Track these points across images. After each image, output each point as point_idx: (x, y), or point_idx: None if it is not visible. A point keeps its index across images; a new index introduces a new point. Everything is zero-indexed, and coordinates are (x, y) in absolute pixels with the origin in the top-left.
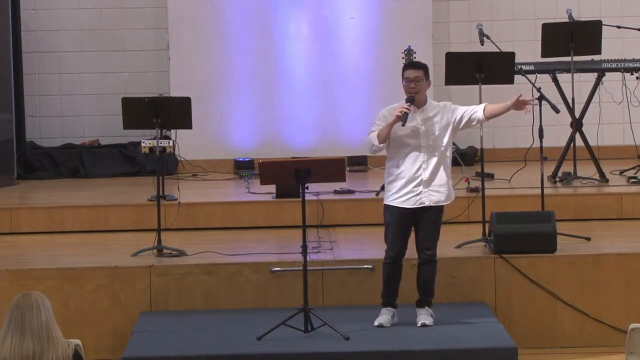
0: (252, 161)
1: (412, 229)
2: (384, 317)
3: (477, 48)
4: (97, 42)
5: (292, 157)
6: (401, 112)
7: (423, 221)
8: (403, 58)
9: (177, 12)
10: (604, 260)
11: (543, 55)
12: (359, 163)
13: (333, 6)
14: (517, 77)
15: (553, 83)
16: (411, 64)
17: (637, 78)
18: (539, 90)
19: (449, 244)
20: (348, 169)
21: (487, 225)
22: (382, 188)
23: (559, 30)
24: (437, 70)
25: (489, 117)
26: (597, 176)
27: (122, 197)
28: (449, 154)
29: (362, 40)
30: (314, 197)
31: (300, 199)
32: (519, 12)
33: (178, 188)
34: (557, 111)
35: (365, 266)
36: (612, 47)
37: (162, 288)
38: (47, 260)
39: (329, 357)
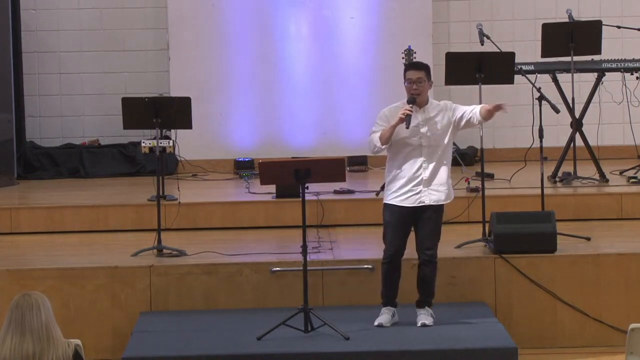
0: (252, 161)
1: (412, 228)
2: (384, 316)
3: (477, 48)
4: (97, 42)
5: (292, 157)
6: (404, 114)
7: (423, 221)
8: (403, 58)
9: (177, 12)
10: (604, 260)
11: (543, 55)
12: (359, 163)
13: (333, 6)
14: (517, 77)
15: (553, 83)
16: (413, 65)
17: (637, 78)
18: (539, 90)
19: (449, 244)
20: (348, 169)
21: (487, 225)
22: (382, 188)
23: (559, 30)
24: (437, 70)
25: (484, 118)
26: (597, 176)
27: (122, 197)
28: (449, 153)
29: (362, 40)
30: (314, 197)
31: (300, 199)
32: (519, 12)
33: (178, 188)
34: (557, 111)
35: (365, 266)
36: (612, 47)
37: (162, 288)
38: (47, 260)
39: (329, 357)
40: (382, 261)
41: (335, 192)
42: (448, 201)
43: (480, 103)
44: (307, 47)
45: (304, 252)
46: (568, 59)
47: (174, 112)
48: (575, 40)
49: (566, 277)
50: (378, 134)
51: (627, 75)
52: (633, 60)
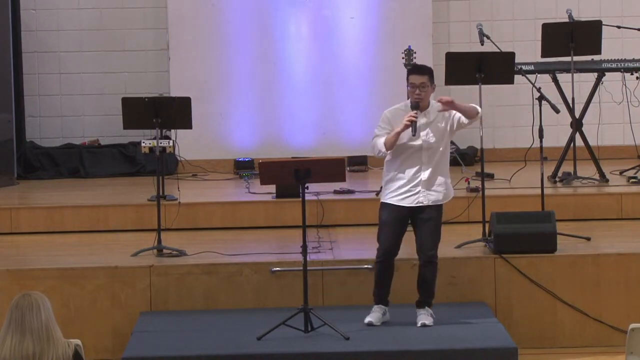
0: (252, 161)
1: (412, 230)
2: (375, 315)
3: (477, 48)
4: (97, 42)
5: (292, 157)
6: (409, 121)
7: (422, 221)
8: (403, 58)
9: (177, 12)
10: (604, 260)
11: (543, 55)
12: (359, 163)
13: (333, 6)
14: (517, 77)
15: (553, 83)
16: (417, 69)
17: (637, 78)
18: (539, 90)
19: (449, 244)
20: (348, 169)
21: (487, 225)
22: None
23: (559, 30)
24: (437, 70)
25: (465, 116)
26: (597, 176)
27: (122, 197)
28: (447, 154)
29: (362, 40)
30: (314, 197)
31: (300, 199)
32: (519, 12)
33: (178, 188)
34: (557, 111)
35: (365, 266)
36: (612, 47)
37: (162, 288)
38: (47, 260)
39: (329, 357)
40: (376, 260)
41: (335, 192)
42: (446, 201)
43: (480, 103)
44: (307, 47)
45: (304, 252)
46: (568, 59)
47: (174, 112)
48: (575, 40)
49: (566, 277)
50: (382, 139)
51: (627, 75)
52: (633, 60)
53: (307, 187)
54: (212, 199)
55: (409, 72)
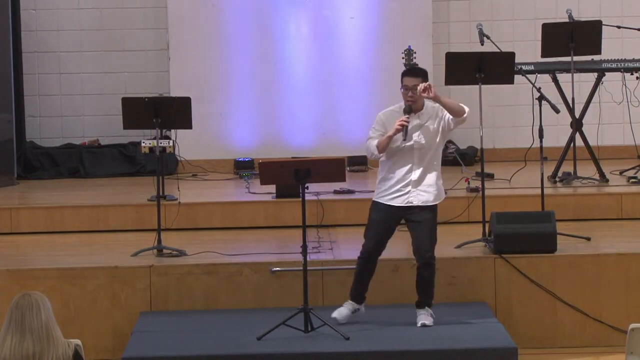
0: (252, 161)
1: (409, 233)
2: (343, 310)
3: (477, 48)
4: (97, 42)
5: (292, 157)
6: (401, 125)
7: (416, 223)
8: (403, 58)
9: (177, 12)
10: (604, 260)
11: (543, 55)
12: (359, 163)
13: (333, 6)
14: (517, 77)
15: (553, 83)
16: (410, 71)
17: (637, 78)
18: (539, 90)
19: (449, 244)
20: (348, 169)
21: (487, 225)
22: None
23: (559, 30)
24: (437, 70)
25: (454, 115)
26: (597, 176)
27: (122, 197)
28: (439, 155)
29: (362, 40)
30: (314, 197)
31: (300, 199)
32: (519, 12)
33: (178, 188)
34: (557, 111)
35: None
36: (612, 47)
37: (162, 288)
38: (47, 260)
39: (329, 357)
40: (359, 256)
41: (335, 192)
42: (437, 202)
43: (480, 103)
44: (307, 47)
45: (304, 252)
46: (568, 59)
47: (174, 112)
48: (575, 40)
49: (566, 277)
50: (375, 141)
51: (627, 75)
52: (633, 60)
53: (307, 187)
54: (212, 199)
55: (403, 74)
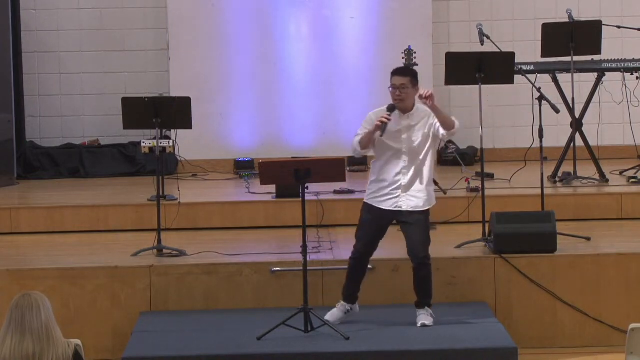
0: (252, 161)
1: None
2: (335, 312)
3: (477, 48)
4: (97, 42)
5: (292, 157)
6: (381, 121)
7: (408, 225)
8: (403, 58)
9: (177, 12)
10: (604, 260)
11: (543, 55)
12: (359, 163)
13: (333, 6)
14: (517, 77)
15: (553, 83)
16: (398, 70)
17: (637, 78)
18: (539, 90)
19: (449, 244)
20: (348, 169)
21: (487, 225)
22: None
23: (559, 30)
24: (437, 70)
25: (444, 128)
26: (597, 176)
27: (122, 197)
28: (430, 160)
29: (362, 40)
30: (314, 197)
31: (300, 199)
32: (519, 12)
33: (178, 188)
34: (557, 111)
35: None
36: (612, 47)
37: (162, 288)
38: (47, 260)
39: (329, 357)
40: (350, 257)
41: (335, 192)
42: (427, 208)
43: (480, 103)
44: (307, 47)
45: (304, 252)
46: (568, 59)
47: (174, 112)
48: (575, 40)
49: (566, 277)
50: (359, 138)
51: (627, 75)
52: (633, 60)
53: (307, 187)
54: (212, 199)
55: (392, 73)
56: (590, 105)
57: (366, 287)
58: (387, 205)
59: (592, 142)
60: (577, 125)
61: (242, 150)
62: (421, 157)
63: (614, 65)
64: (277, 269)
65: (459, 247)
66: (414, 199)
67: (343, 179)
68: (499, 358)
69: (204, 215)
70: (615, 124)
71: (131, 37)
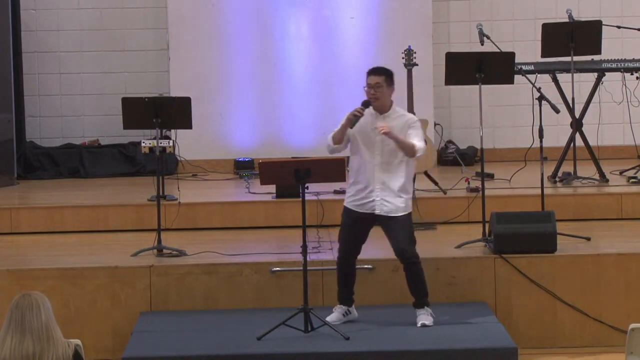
0: (252, 161)
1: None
2: (334, 315)
3: (477, 48)
4: (97, 42)
5: (292, 157)
6: (353, 115)
7: (389, 227)
8: (403, 58)
9: (177, 12)
10: (604, 260)
11: (543, 55)
12: None
13: (333, 6)
14: (517, 77)
15: (553, 83)
16: (373, 70)
17: (637, 78)
18: (539, 90)
19: (449, 244)
20: (348, 169)
21: (487, 225)
22: None
23: (559, 30)
24: (437, 70)
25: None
26: (597, 176)
27: (122, 197)
28: (405, 166)
29: (362, 40)
30: (314, 197)
31: (300, 199)
32: (519, 12)
33: (178, 188)
34: (557, 111)
35: (365, 266)
36: (612, 47)
37: (162, 288)
38: (47, 260)
39: (329, 357)
40: (337, 260)
41: (335, 192)
42: (400, 214)
43: (480, 103)
44: (307, 47)
45: (304, 252)
46: (568, 59)
47: (174, 112)
48: (575, 40)
49: (566, 277)
50: (333, 133)
51: (627, 75)
52: (633, 60)
53: (307, 187)
54: (212, 199)
55: (367, 73)
56: (590, 105)
57: (366, 287)
58: (362, 209)
59: (592, 142)
60: (577, 125)
61: (242, 150)
62: (396, 162)
63: (614, 65)
64: (277, 269)
65: (459, 247)
66: (388, 204)
67: (343, 179)
68: (499, 358)
69: (204, 215)
70: (615, 124)
71: (131, 37)
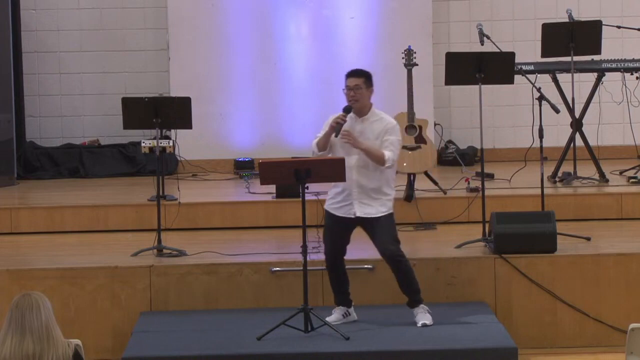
0: (252, 161)
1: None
2: (334, 316)
3: (477, 48)
4: (97, 42)
5: (292, 157)
6: (336, 122)
7: (370, 231)
8: (403, 58)
9: (177, 12)
10: (604, 260)
11: (543, 55)
12: None
13: (333, 6)
14: (517, 77)
15: (553, 83)
16: (352, 72)
17: (637, 78)
18: (539, 90)
19: (449, 244)
20: None
21: (487, 225)
22: None
23: (559, 30)
24: (437, 70)
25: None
26: (597, 176)
27: (122, 197)
28: (384, 170)
29: (362, 40)
30: (314, 197)
31: (300, 199)
32: (519, 12)
33: (178, 188)
34: (557, 111)
35: (365, 266)
36: (612, 47)
37: (162, 288)
38: (47, 260)
39: (329, 357)
40: (325, 263)
41: None
42: (380, 215)
43: (480, 103)
44: (307, 47)
45: (304, 252)
46: (568, 59)
47: (174, 112)
48: (575, 40)
49: (566, 277)
50: (317, 139)
51: (627, 75)
52: (633, 60)
53: (307, 187)
54: (212, 199)
55: (346, 75)
56: (590, 105)
57: (366, 287)
58: (341, 213)
59: (592, 142)
60: (577, 125)
61: (242, 150)
62: (372, 165)
63: (614, 65)
64: (277, 269)
65: (459, 247)
66: (366, 207)
67: (343, 179)
68: (499, 358)
69: (204, 215)
70: (615, 124)
71: (131, 37)
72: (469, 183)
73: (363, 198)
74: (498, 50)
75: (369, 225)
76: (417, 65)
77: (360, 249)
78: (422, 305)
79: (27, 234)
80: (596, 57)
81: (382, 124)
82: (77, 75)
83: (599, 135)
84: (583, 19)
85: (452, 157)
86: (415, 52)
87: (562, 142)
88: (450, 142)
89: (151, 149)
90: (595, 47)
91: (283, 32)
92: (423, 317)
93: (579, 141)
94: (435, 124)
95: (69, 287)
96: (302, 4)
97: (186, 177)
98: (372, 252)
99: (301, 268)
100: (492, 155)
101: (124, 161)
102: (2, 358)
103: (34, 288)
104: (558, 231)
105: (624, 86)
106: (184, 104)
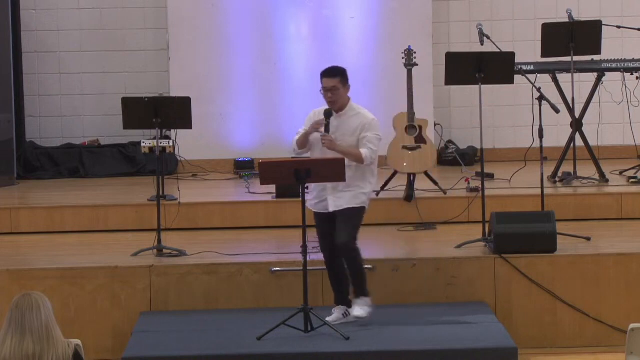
0: (252, 161)
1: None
2: (334, 315)
3: (477, 48)
4: (97, 42)
5: (292, 157)
6: (315, 128)
7: (337, 219)
8: (403, 58)
9: (177, 12)
10: (604, 260)
11: (543, 55)
12: None
13: (333, 6)
14: (517, 77)
15: (553, 83)
16: (327, 72)
17: (637, 78)
18: (539, 90)
19: (449, 244)
20: None
21: (487, 225)
22: (382, 188)
23: (559, 30)
24: (437, 70)
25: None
26: (597, 176)
27: (122, 197)
28: (363, 166)
29: (362, 40)
30: None
31: (300, 199)
32: (519, 12)
33: (178, 188)
34: (557, 111)
35: (365, 266)
36: (612, 47)
37: (162, 288)
38: (47, 260)
39: (329, 357)
40: (324, 261)
41: None
42: (351, 206)
43: (480, 103)
44: (307, 47)
45: (304, 252)
46: (568, 59)
47: (174, 112)
48: (575, 40)
49: (566, 277)
50: (297, 137)
51: (627, 75)
52: (633, 60)
53: (307, 187)
54: (212, 199)
55: (321, 76)
56: (590, 105)
57: None
58: (318, 209)
59: (592, 142)
60: (577, 125)
61: (242, 150)
62: (347, 160)
63: (614, 65)
64: (277, 269)
65: (459, 247)
66: (339, 200)
67: (343, 179)
68: (499, 358)
69: (204, 215)
70: (615, 124)
71: (131, 37)
72: (469, 183)
73: (336, 192)
74: (498, 50)
75: (339, 215)
76: (417, 65)
77: (360, 249)
78: (364, 298)
79: (27, 234)
80: (596, 57)
81: (359, 119)
82: (77, 75)
83: (599, 135)
84: (583, 19)
85: (452, 157)
86: (415, 52)
87: (562, 142)
88: (450, 142)
89: (151, 149)
90: (595, 47)
91: (283, 32)
92: (360, 310)
93: (579, 141)
94: (435, 124)
95: (69, 287)
96: (302, 4)
97: (186, 177)
98: (371, 252)
99: (301, 268)
100: (492, 155)
101: (124, 161)
102: (2, 358)
103: (34, 288)
104: (558, 231)
105: (624, 86)
106: (184, 104)
